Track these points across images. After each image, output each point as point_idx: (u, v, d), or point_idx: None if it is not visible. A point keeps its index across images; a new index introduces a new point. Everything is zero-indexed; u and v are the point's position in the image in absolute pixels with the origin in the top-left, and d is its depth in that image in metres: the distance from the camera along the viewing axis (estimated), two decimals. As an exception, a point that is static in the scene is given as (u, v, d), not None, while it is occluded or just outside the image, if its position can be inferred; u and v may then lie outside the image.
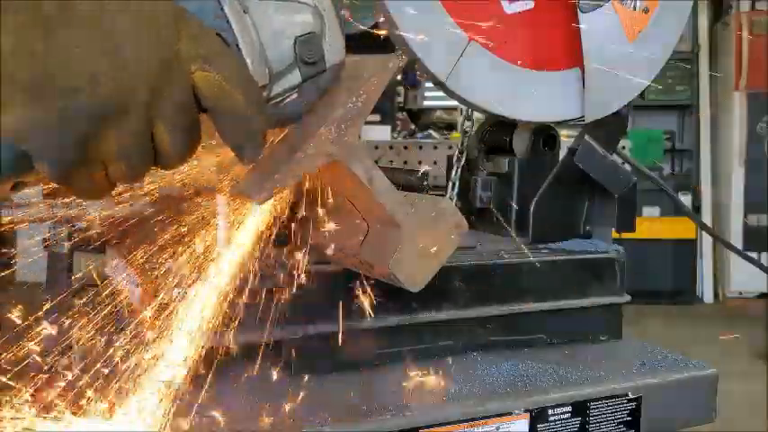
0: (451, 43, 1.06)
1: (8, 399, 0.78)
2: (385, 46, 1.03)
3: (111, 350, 0.84)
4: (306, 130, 0.80)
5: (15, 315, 0.89)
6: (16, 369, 0.81)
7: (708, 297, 7.05)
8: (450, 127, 6.49)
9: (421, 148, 2.98)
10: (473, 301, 1.08)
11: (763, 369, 4.64)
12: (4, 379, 0.80)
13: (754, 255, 5.92)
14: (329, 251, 0.96)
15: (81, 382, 0.81)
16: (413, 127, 6.51)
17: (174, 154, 0.65)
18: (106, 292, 0.91)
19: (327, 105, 0.79)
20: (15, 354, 0.83)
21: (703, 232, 6.69)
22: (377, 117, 4.97)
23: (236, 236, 0.85)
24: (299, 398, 0.91)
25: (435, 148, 2.95)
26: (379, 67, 0.81)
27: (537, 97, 1.14)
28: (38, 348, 0.85)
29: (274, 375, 0.95)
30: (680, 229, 6.51)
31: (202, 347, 0.83)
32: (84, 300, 0.93)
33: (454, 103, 1.86)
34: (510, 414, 0.94)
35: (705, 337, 4.24)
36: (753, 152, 6.79)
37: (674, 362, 1.11)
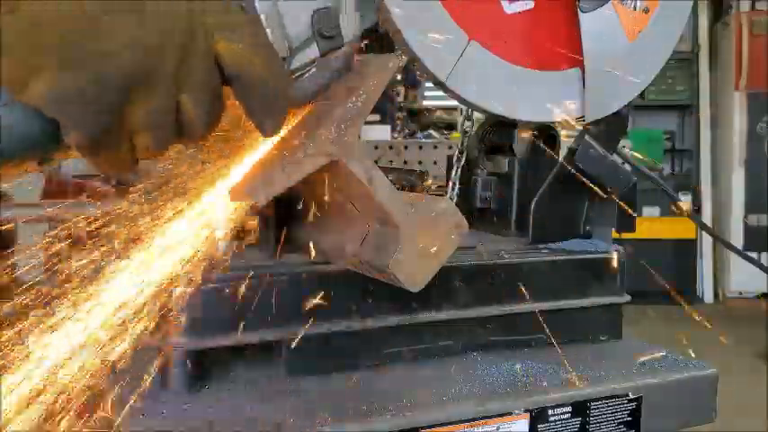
0: (451, 43, 1.06)
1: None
2: (385, 46, 1.03)
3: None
4: (306, 129, 0.80)
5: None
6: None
7: (708, 297, 7.04)
8: (450, 127, 6.47)
9: (421, 148, 2.98)
10: (473, 301, 1.08)
11: (764, 369, 4.64)
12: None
13: (754, 255, 5.94)
14: (329, 251, 0.96)
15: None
16: (413, 127, 6.51)
17: (199, 124, 0.66)
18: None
19: (327, 105, 0.79)
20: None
21: (703, 232, 6.69)
22: (377, 117, 4.98)
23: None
24: (299, 398, 0.91)
25: (435, 147, 2.96)
26: (379, 66, 0.81)
27: (537, 97, 1.14)
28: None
29: (274, 375, 0.95)
30: (680, 229, 6.52)
31: None
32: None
33: (454, 103, 1.86)
34: (510, 414, 0.94)
35: (705, 338, 4.22)
36: (753, 152, 6.78)
37: (674, 362, 1.11)
